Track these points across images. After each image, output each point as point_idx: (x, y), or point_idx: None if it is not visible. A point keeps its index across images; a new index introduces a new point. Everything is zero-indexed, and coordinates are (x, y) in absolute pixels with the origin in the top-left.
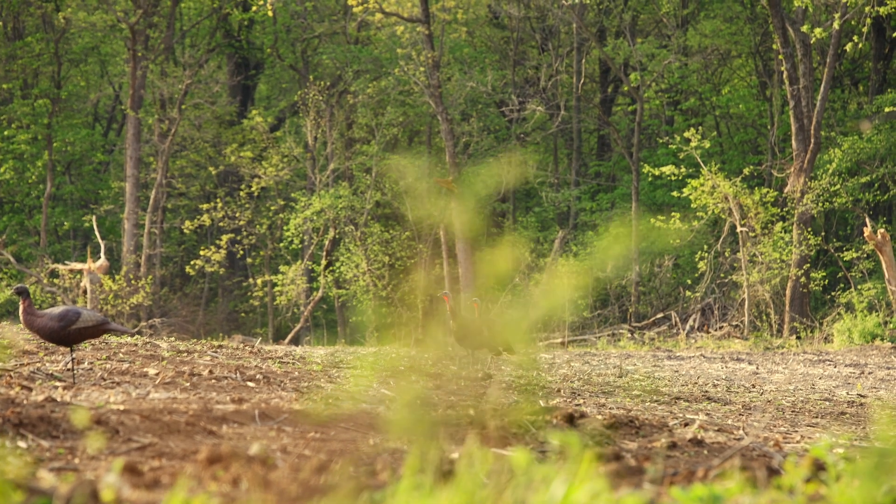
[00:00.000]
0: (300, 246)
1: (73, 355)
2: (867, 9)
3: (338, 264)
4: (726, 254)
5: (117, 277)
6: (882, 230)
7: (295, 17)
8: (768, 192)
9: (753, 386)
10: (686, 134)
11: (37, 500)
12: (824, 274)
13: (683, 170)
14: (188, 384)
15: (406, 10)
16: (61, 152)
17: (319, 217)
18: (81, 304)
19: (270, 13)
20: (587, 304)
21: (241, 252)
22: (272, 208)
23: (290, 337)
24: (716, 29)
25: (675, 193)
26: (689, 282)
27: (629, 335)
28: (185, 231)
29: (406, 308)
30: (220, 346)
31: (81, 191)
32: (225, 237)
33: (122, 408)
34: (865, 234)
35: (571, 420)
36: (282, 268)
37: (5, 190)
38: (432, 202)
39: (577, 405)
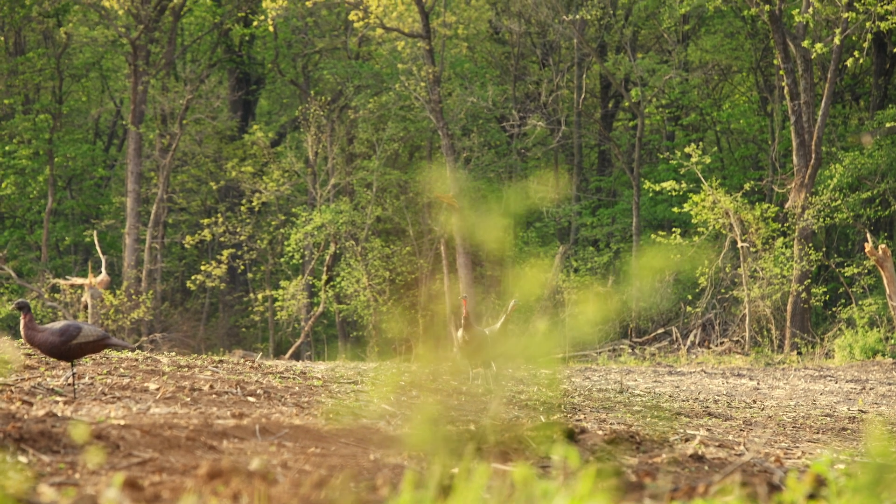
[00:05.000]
0: (301, 261)
1: (74, 370)
2: (868, 24)
3: (338, 279)
4: (727, 269)
5: (118, 292)
6: (883, 246)
7: (296, 32)
8: (769, 207)
9: (754, 401)
10: (687, 149)
11: None
12: (825, 289)
13: (684, 185)
14: (189, 399)
15: (407, 25)
16: (62, 167)
17: (320, 232)
18: (82, 318)
19: (271, 28)
20: (598, 321)
21: (242, 267)
22: (273, 223)
23: (290, 352)
24: (716, 44)
25: (675, 209)
26: (689, 297)
27: (630, 351)
28: (186, 246)
29: (407, 323)
30: (221, 361)
31: (82, 206)
32: (226, 252)
33: (122, 423)
34: (866, 250)
35: (572, 435)
36: (282, 283)
37: (6, 205)
38: (433, 217)
39: (577, 420)
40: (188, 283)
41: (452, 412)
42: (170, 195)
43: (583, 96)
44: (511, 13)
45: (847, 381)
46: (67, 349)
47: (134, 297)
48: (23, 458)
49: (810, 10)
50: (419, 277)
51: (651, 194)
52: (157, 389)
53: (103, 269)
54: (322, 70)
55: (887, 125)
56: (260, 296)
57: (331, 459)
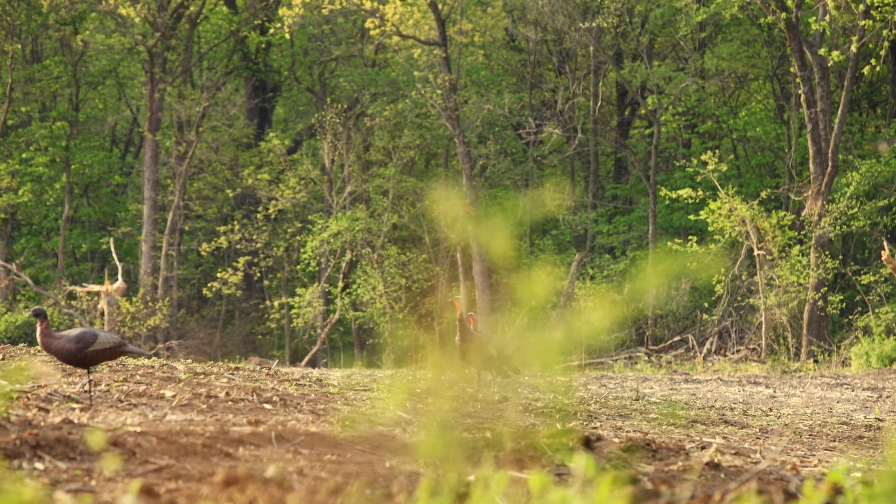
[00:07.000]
0: (317, 268)
1: (91, 377)
2: (885, 32)
3: (355, 287)
4: (743, 277)
5: (134, 300)
6: None
7: (312, 39)
8: (786, 215)
9: (770, 409)
10: (703, 157)
11: None
12: (842, 297)
13: (700, 193)
14: (205, 406)
15: (423, 33)
16: (79, 175)
17: (336, 239)
18: (99, 326)
19: (288, 36)
20: (605, 327)
21: (259, 274)
22: (289, 231)
23: (306, 359)
24: (733, 52)
25: (692, 217)
26: (706, 305)
27: (646, 358)
28: (203, 253)
29: (423, 330)
30: (237, 369)
31: (99, 213)
32: (242, 259)
33: (138, 430)
34: (883, 258)
35: (588, 443)
36: (299, 290)
37: (24, 212)
38: (449, 225)
39: (593, 428)
40: (204, 291)
41: (468, 419)
42: (186, 202)
43: (599, 104)
44: (527, 21)
45: (864, 389)
46: (84, 356)
47: (150, 304)
48: (39, 465)
49: (827, 17)
50: (435, 285)
51: (667, 202)
52: (174, 396)
53: (120, 277)
54: (338, 77)
55: None
56: (276, 303)
57: (347, 466)
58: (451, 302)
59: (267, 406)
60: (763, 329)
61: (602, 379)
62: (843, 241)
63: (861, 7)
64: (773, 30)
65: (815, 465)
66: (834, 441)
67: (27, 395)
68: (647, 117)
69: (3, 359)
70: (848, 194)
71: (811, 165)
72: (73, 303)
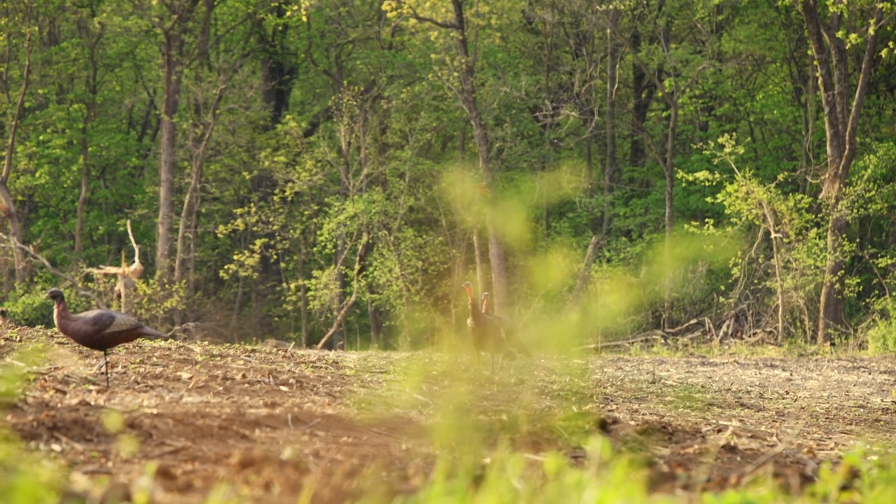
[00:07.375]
0: (334, 251)
1: (107, 359)
2: None
3: (371, 269)
4: (760, 260)
5: (151, 281)
6: None
7: (329, 22)
8: (803, 198)
9: (787, 392)
10: (720, 140)
11: (70, 503)
12: (859, 280)
13: (717, 175)
14: (221, 388)
15: (440, 15)
16: (96, 157)
17: (353, 222)
18: (115, 308)
19: (305, 18)
20: (621, 310)
21: (275, 256)
22: (306, 213)
23: (323, 341)
24: (750, 34)
25: (709, 199)
26: (722, 288)
27: (662, 341)
28: (219, 235)
29: (439, 313)
30: (254, 351)
31: (116, 195)
32: (259, 242)
33: (155, 411)
34: None
35: (604, 426)
36: (315, 272)
37: (41, 194)
38: (465, 207)
39: (609, 411)
40: (221, 273)
41: (484, 402)
42: (203, 185)
43: (616, 86)
44: (544, 3)
45: (881, 373)
46: (101, 338)
47: (167, 286)
48: (56, 447)
49: (844, 0)
50: (451, 267)
51: (684, 184)
52: (190, 378)
53: (136, 259)
54: (355, 60)
55: None
56: (293, 285)
57: (363, 449)
58: (463, 287)
59: (283, 388)
60: (780, 312)
61: (618, 362)
62: (861, 224)
63: None
64: (791, 12)
65: (831, 449)
66: (851, 424)
67: (44, 376)
68: (664, 100)
69: (20, 340)
70: (865, 177)
71: (828, 148)
72: (90, 285)
